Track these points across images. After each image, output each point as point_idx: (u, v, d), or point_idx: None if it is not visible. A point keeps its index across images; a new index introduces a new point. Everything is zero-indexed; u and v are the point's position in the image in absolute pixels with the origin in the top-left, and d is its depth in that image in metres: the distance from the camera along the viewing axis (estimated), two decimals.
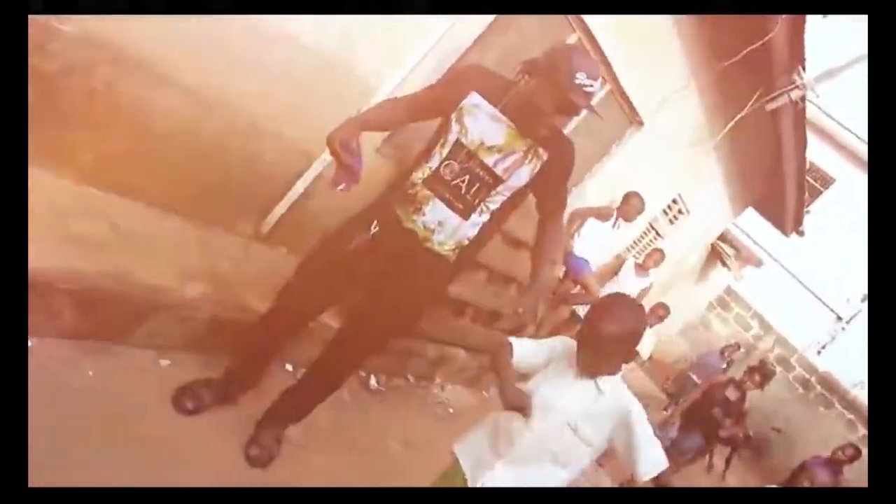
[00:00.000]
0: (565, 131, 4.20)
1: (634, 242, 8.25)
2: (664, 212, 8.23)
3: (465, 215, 2.44)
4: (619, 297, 2.29)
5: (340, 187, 2.45)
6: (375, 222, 2.52)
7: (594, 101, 2.52)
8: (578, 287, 6.42)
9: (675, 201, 8.18)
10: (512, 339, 2.31)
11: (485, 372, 5.52)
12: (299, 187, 3.72)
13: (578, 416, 2.17)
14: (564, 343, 2.31)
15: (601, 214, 6.30)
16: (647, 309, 7.31)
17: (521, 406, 2.17)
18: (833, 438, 10.23)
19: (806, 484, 4.76)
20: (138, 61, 2.75)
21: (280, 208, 3.75)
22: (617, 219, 6.40)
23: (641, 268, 7.30)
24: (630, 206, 6.36)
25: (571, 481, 2.27)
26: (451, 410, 4.89)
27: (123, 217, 2.98)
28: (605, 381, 2.20)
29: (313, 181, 3.72)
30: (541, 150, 2.41)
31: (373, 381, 4.20)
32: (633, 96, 5.46)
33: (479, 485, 2.25)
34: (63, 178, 2.84)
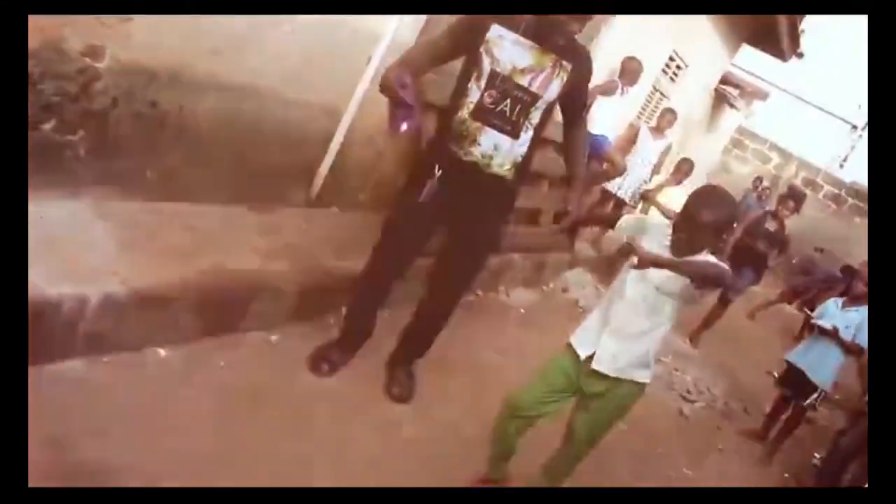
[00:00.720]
0: None
1: (643, 108, 8.33)
2: (663, 71, 8.28)
3: (515, 135, 2.70)
4: (715, 188, 2.53)
5: (403, 127, 2.61)
6: (437, 166, 2.74)
7: None
8: (605, 164, 6.57)
9: (671, 58, 8.22)
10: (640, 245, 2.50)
11: (540, 269, 5.80)
12: (333, 147, 3.92)
13: (661, 280, 2.41)
14: (639, 220, 2.60)
15: (606, 89, 6.38)
16: (673, 167, 7.50)
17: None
18: None
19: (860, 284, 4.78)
20: (171, 75, 2.92)
21: (322, 170, 3.96)
22: (622, 87, 6.49)
23: (657, 130, 7.39)
24: (629, 69, 6.45)
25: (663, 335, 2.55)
26: (522, 311, 5.18)
27: (197, 220, 3.21)
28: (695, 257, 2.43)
29: (344, 137, 3.91)
30: (564, 63, 2.65)
31: None
32: None
33: (587, 354, 2.54)
34: (134, 201, 3.06)
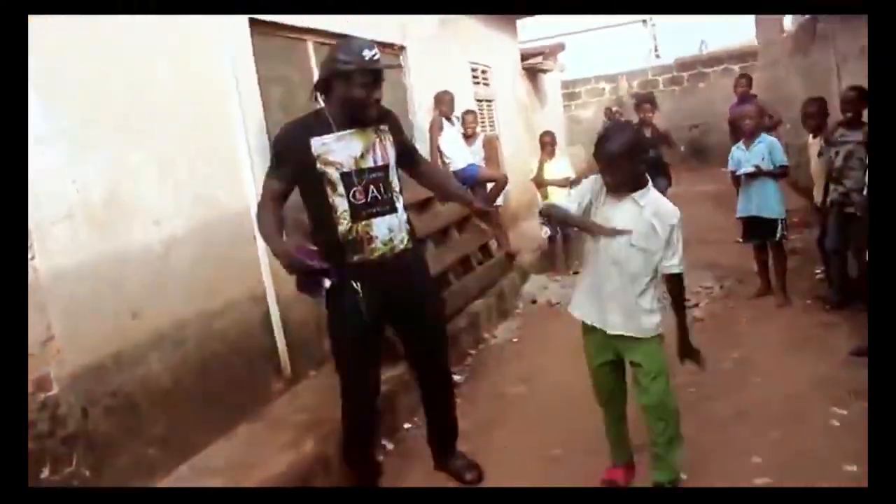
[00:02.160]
0: None
1: (481, 121, 8.71)
2: (475, 83, 8.76)
3: (395, 209, 2.88)
4: (614, 125, 2.85)
5: (327, 284, 2.77)
6: (357, 284, 2.82)
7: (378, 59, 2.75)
8: (489, 185, 6.86)
9: (473, 69, 8.72)
10: (555, 204, 2.91)
11: (503, 297, 5.99)
12: (277, 326, 3.99)
13: (636, 233, 2.65)
14: (592, 181, 2.77)
15: (438, 126, 6.67)
16: (541, 140, 7.82)
17: (599, 227, 2.68)
18: None
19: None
20: (113, 360, 2.97)
21: (282, 348, 4.01)
22: (447, 119, 6.82)
23: (468, 137, 7.34)
24: (443, 101, 6.74)
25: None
26: (515, 340, 5.33)
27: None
28: (641, 196, 2.67)
29: (279, 311, 3.99)
30: (381, 127, 2.88)
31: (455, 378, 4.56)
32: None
33: (598, 326, 2.80)
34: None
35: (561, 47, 13.29)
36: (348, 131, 2.77)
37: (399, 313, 3.02)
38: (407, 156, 3.04)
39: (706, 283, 6.00)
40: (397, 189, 2.91)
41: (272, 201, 2.77)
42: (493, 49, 9.42)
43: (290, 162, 2.76)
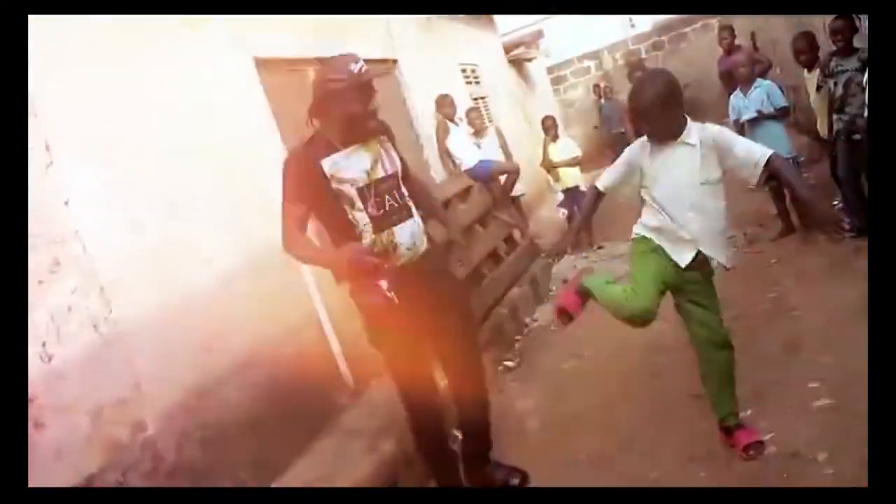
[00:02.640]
0: None
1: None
2: (467, 83, 8.96)
3: (411, 214, 2.89)
4: (642, 74, 2.94)
5: (384, 285, 2.72)
6: (391, 294, 2.76)
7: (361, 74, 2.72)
8: (503, 177, 7.04)
9: (462, 70, 8.92)
10: (597, 184, 2.95)
11: (535, 283, 6.14)
12: (331, 335, 4.17)
13: (696, 172, 2.70)
14: (633, 147, 2.85)
15: (444, 130, 6.87)
16: (543, 124, 7.98)
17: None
18: None
19: None
20: (197, 385, 3.16)
21: (339, 358, 4.19)
22: (451, 121, 7.00)
23: (476, 132, 7.59)
24: (443, 104, 6.95)
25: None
26: (552, 328, 5.48)
27: None
28: (688, 136, 2.72)
29: (330, 319, 4.17)
30: (382, 139, 2.90)
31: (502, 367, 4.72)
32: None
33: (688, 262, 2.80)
34: None
35: (540, 34, 13.48)
36: (354, 147, 2.79)
37: (433, 317, 2.95)
38: (403, 164, 3.06)
39: (728, 234, 6.10)
40: (407, 194, 2.94)
41: (297, 229, 2.77)
42: (477, 47, 9.63)
43: (305, 187, 2.75)
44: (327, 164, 2.74)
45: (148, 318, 3.02)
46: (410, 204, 2.91)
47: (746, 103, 5.42)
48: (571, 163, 7.76)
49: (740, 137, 2.75)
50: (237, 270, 3.61)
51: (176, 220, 3.34)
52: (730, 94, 5.85)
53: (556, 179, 7.88)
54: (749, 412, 3.07)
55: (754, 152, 2.69)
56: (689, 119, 2.75)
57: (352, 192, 2.76)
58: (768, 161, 2.65)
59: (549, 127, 7.87)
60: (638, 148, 2.83)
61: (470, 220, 5.96)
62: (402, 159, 3.05)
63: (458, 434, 3.41)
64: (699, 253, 2.79)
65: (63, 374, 2.59)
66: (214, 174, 3.67)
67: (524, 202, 7.92)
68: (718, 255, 2.83)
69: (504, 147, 7.76)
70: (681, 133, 2.71)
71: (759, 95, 5.33)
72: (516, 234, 6.68)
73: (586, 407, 3.74)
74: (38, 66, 2.70)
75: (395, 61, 6.61)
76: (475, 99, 8.97)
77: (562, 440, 3.47)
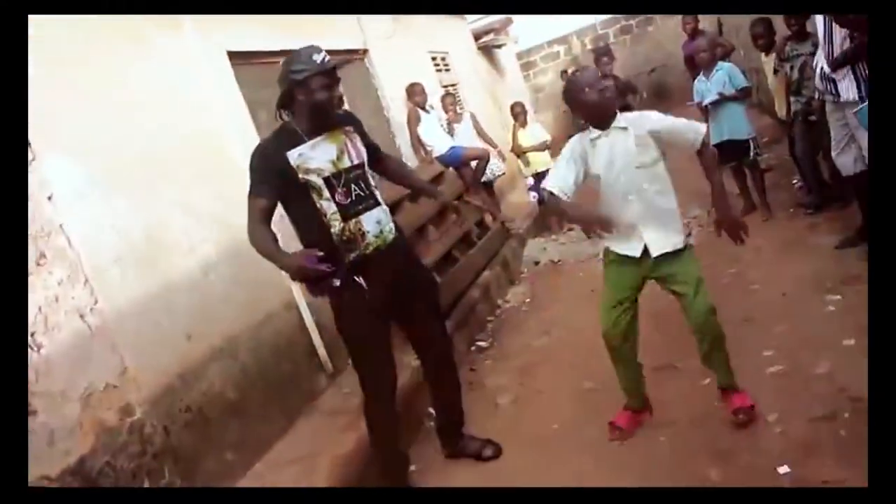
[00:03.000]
0: None
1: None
2: (437, 70, 9.06)
3: (377, 202, 2.99)
4: (570, 74, 3.00)
5: (336, 283, 2.86)
6: (359, 279, 2.90)
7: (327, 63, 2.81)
8: (474, 162, 7.18)
9: (433, 57, 9.02)
10: (547, 187, 2.89)
11: (506, 265, 6.32)
12: (309, 321, 4.30)
13: (631, 156, 2.83)
14: (571, 144, 2.94)
15: (413, 118, 6.98)
16: (512, 111, 8.11)
17: (598, 219, 2.86)
18: None
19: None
20: (180, 377, 3.28)
21: (318, 343, 4.33)
22: (422, 109, 7.12)
23: (454, 117, 7.73)
24: (414, 93, 7.03)
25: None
26: (528, 299, 5.66)
27: None
28: (618, 121, 2.85)
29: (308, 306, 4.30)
30: (346, 128, 2.98)
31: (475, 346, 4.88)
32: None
33: (639, 253, 2.89)
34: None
35: (509, 21, 13.57)
36: (319, 137, 2.86)
37: (401, 302, 3.09)
38: (373, 156, 3.14)
39: (693, 213, 6.34)
40: (374, 184, 3.03)
41: (262, 221, 2.81)
42: (447, 35, 9.73)
43: (272, 179, 2.82)
44: (293, 156, 2.81)
45: (132, 308, 3.14)
46: (377, 192, 3.00)
47: (709, 86, 5.60)
48: (540, 147, 7.92)
49: (674, 121, 2.88)
50: (218, 259, 3.72)
51: (157, 212, 3.45)
52: (694, 79, 6.03)
53: (527, 164, 8.04)
54: (708, 380, 3.25)
55: (687, 134, 2.85)
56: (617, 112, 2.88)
57: (318, 181, 2.84)
58: (701, 149, 2.86)
59: (518, 113, 8.01)
60: (576, 140, 2.93)
61: (442, 204, 6.07)
62: (373, 144, 3.17)
63: (432, 411, 3.60)
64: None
65: (52, 362, 2.70)
66: (193, 166, 3.78)
67: (496, 187, 8.07)
68: (663, 241, 2.86)
69: (480, 132, 7.88)
70: (612, 120, 2.85)
71: (721, 78, 5.52)
72: (488, 218, 6.82)
73: (555, 382, 3.92)
74: None
75: (365, 51, 6.70)
76: (446, 86, 9.09)
77: (532, 414, 3.65)
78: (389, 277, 2.97)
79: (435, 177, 6.51)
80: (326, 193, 2.84)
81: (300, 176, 2.82)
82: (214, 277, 3.66)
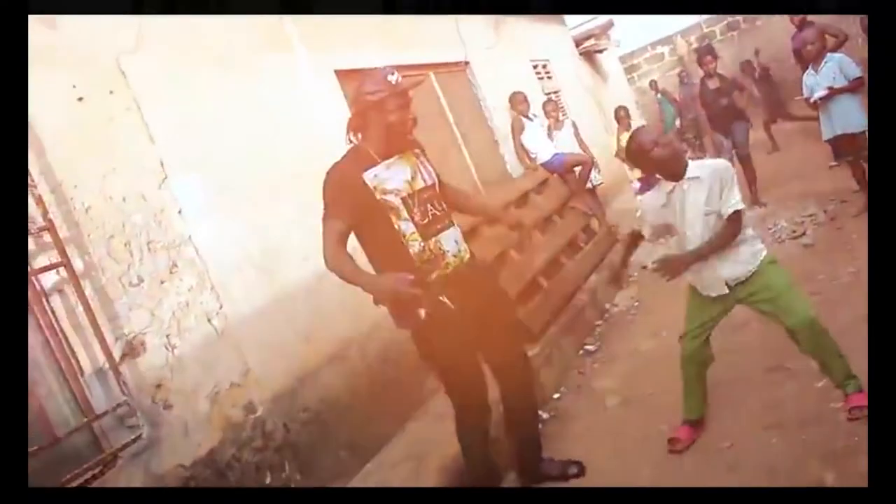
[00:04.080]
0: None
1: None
2: (539, 78, 9.10)
3: (452, 222, 2.92)
4: (633, 132, 3.05)
5: (423, 314, 2.69)
6: (444, 299, 2.79)
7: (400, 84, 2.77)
8: (577, 169, 7.18)
9: (534, 66, 9.07)
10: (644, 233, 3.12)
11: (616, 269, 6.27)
12: None
13: (701, 204, 2.86)
14: (650, 201, 3.04)
15: (518, 129, 7.05)
16: (616, 115, 8.08)
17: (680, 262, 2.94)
18: None
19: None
20: (297, 381, 3.48)
21: None
22: (525, 117, 7.18)
23: (554, 123, 7.77)
24: (516, 101, 7.12)
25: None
26: (636, 303, 5.59)
27: None
28: (692, 171, 2.88)
29: None
30: (416, 150, 2.94)
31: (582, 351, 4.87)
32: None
33: (720, 293, 2.97)
34: None
35: (610, 24, 13.46)
36: (393, 158, 2.80)
37: (481, 323, 2.95)
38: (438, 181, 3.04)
39: (809, 212, 6.08)
40: (445, 204, 2.95)
41: (339, 243, 2.72)
42: (547, 43, 9.76)
43: (348, 201, 2.74)
44: (369, 177, 2.74)
45: (254, 313, 3.37)
46: (450, 213, 2.95)
47: (818, 79, 5.37)
48: None
49: (733, 181, 2.86)
50: None
51: (275, 226, 3.69)
52: (803, 73, 5.80)
53: (632, 168, 7.95)
54: (822, 383, 3.13)
55: (731, 198, 2.82)
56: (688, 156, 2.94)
57: (397, 201, 2.76)
58: (731, 215, 2.82)
59: (622, 117, 7.95)
60: (657, 197, 2.99)
61: (548, 210, 6.14)
62: (436, 172, 3.06)
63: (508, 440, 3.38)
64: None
65: (184, 361, 2.95)
66: (306, 181, 3.99)
67: (601, 192, 8.01)
68: (739, 270, 2.91)
69: (579, 139, 7.87)
70: (685, 171, 2.87)
71: (830, 70, 5.27)
72: (594, 223, 6.80)
73: (664, 385, 3.86)
74: (151, 98, 3.16)
75: (467, 63, 6.84)
76: (548, 94, 9.11)
77: (640, 416, 3.62)
78: (471, 297, 2.88)
79: (540, 183, 6.59)
80: (405, 213, 2.77)
81: (378, 196, 2.74)
82: (327, 286, 3.84)
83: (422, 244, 2.79)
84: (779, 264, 3.01)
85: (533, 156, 7.09)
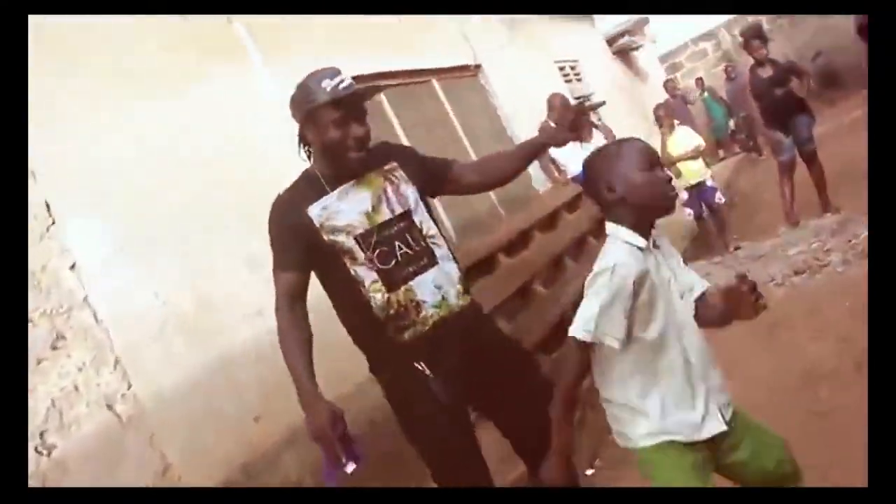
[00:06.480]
0: None
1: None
2: (567, 81, 8.32)
3: (434, 260, 2.21)
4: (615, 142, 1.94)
5: (350, 469, 2.01)
6: (422, 366, 2.17)
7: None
8: None
9: (560, 67, 8.30)
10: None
11: None
12: None
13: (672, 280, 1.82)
14: (616, 272, 1.71)
15: (557, 140, 6.24)
16: (655, 115, 7.24)
17: None
18: None
19: None
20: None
21: None
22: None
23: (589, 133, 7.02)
24: (554, 107, 6.31)
25: None
26: None
27: None
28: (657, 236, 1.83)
29: None
30: (387, 167, 2.25)
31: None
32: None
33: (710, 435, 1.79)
34: None
35: (645, 20, 12.61)
36: (348, 185, 2.17)
37: (482, 387, 2.28)
38: (437, 177, 2.39)
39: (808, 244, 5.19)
40: (433, 234, 2.26)
41: (290, 299, 2.13)
42: (574, 42, 8.96)
43: (294, 244, 2.15)
44: (315, 212, 2.13)
45: (178, 391, 2.62)
46: (434, 247, 2.23)
47: None
48: (694, 154, 6.90)
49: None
50: None
51: (215, 275, 2.95)
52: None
53: (678, 176, 7.00)
54: None
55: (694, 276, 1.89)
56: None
57: (349, 242, 2.13)
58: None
59: (661, 117, 7.05)
60: (626, 267, 1.74)
61: (581, 231, 5.38)
62: (440, 165, 2.41)
63: None
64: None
65: (67, 464, 2.21)
66: (258, 218, 3.26)
67: None
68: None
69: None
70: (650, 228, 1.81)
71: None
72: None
73: None
74: (35, 122, 2.34)
75: (477, 66, 6.08)
76: (578, 98, 8.30)
77: None
78: (462, 358, 2.19)
79: (572, 199, 5.89)
80: (361, 257, 2.12)
81: (325, 237, 2.12)
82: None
83: (385, 296, 2.13)
84: None
85: (562, 168, 6.27)
